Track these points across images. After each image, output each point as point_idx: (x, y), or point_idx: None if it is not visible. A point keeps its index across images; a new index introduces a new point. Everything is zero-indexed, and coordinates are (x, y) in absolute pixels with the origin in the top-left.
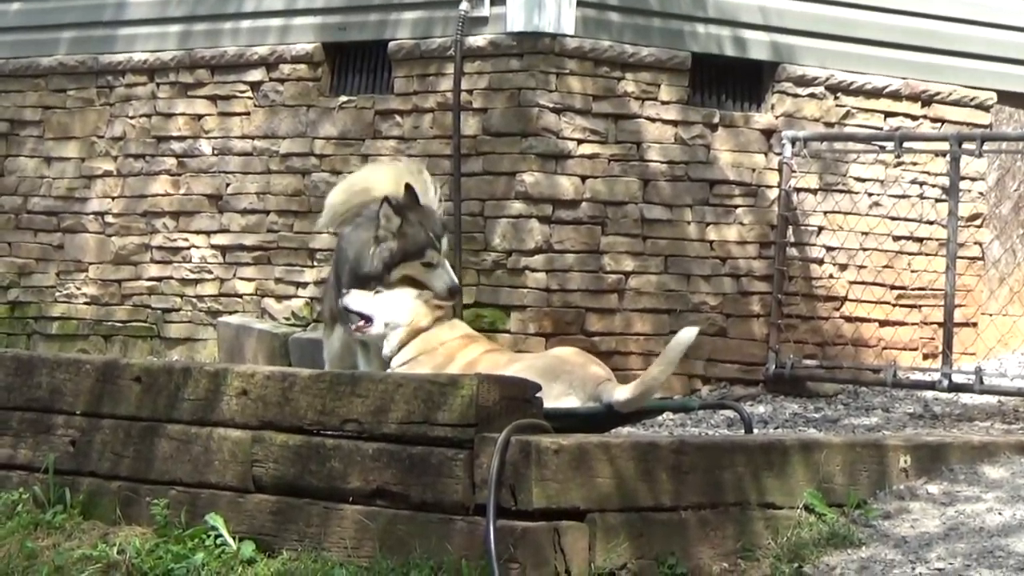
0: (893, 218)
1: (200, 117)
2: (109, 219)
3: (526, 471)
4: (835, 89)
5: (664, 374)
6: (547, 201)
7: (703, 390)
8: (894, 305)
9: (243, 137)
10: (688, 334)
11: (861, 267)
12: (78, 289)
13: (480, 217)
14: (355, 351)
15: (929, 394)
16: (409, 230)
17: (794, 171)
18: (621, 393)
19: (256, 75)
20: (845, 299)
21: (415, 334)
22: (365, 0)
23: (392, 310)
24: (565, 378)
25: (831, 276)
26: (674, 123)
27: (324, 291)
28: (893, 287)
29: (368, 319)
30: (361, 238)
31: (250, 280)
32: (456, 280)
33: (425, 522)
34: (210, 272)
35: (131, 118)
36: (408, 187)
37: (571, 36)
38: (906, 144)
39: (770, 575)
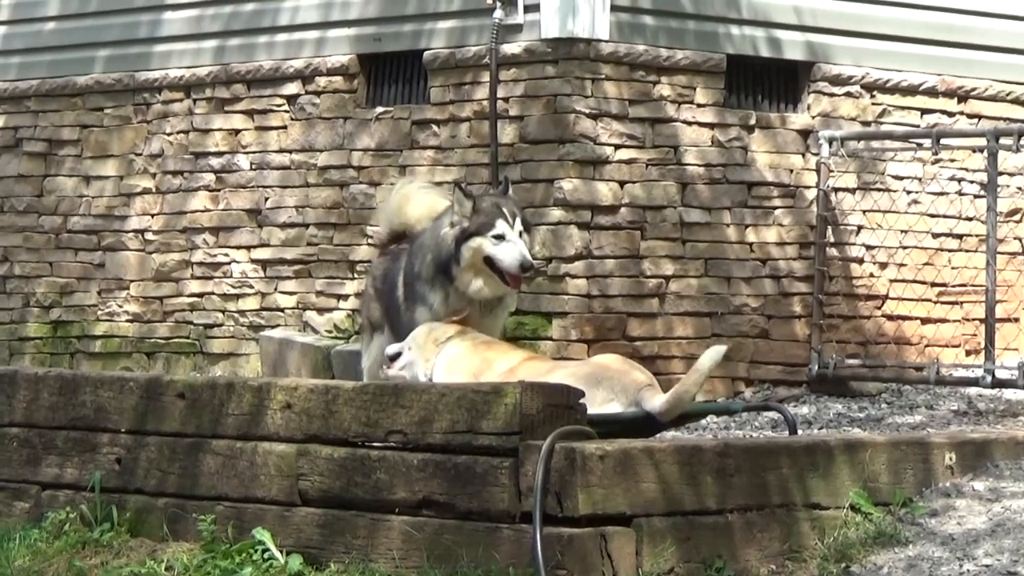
0: (932, 215)
1: (237, 132)
2: (149, 236)
3: (571, 478)
4: (871, 87)
5: (694, 388)
6: (586, 207)
7: (746, 392)
8: (935, 302)
9: (281, 151)
10: (716, 352)
11: (901, 265)
12: (120, 307)
13: None
14: None
15: (973, 391)
16: (482, 206)
17: (832, 171)
18: (655, 403)
19: (292, 88)
20: (886, 298)
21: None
22: (399, 10)
23: (412, 344)
24: (608, 384)
25: (871, 275)
26: (711, 126)
27: (362, 302)
28: (934, 284)
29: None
30: (437, 232)
31: (291, 294)
32: (530, 257)
33: (472, 531)
34: (251, 287)
35: (168, 135)
36: (507, 178)
37: (605, 41)
38: (943, 141)
39: (817, 575)
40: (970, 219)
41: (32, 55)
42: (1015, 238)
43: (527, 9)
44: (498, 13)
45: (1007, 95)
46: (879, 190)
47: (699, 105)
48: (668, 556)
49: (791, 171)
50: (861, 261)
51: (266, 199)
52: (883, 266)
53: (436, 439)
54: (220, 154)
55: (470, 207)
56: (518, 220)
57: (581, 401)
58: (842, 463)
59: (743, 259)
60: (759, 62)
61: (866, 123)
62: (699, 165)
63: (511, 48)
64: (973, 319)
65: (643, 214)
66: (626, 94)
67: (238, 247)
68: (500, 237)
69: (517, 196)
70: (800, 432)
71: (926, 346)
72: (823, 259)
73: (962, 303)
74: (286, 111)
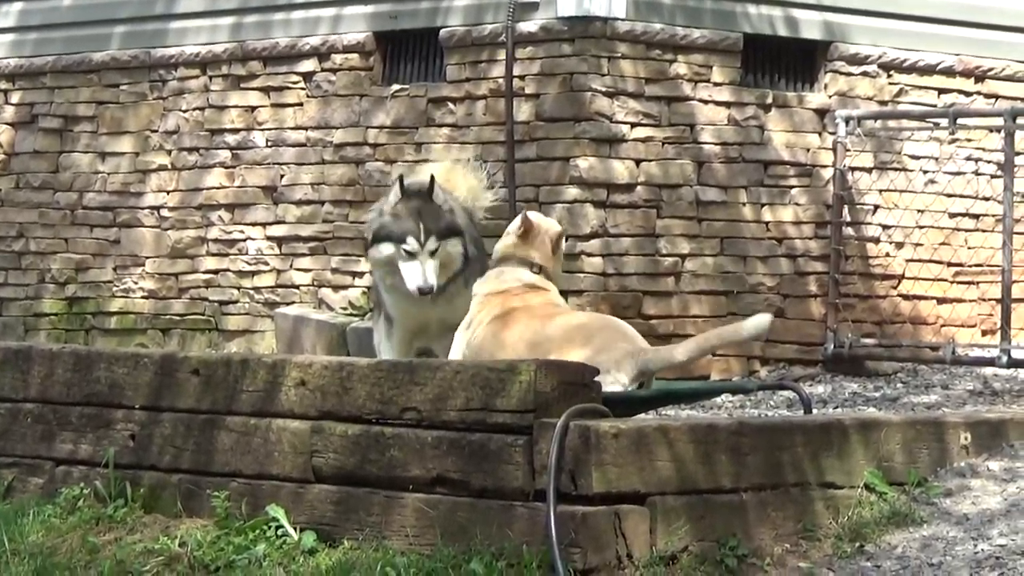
0: (948, 195)
1: (253, 109)
2: (165, 213)
3: (585, 456)
4: (888, 67)
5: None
6: (602, 185)
7: (762, 371)
8: (951, 282)
9: (296, 128)
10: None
11: (917, 245)
12: (135, 283)
13: (535, 203)
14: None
15: (988, 371)
16: (403, 211)
17: (848, 150)
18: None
19: (308, 66)
20: (902, 277)
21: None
22: None
23: None
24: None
25: (888, 255)
26: (727, 104)
27: (374, 278)
28: (950, 264)
29: None
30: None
31: (307, 271)
32: (431, 281)
33: (486, 509)
34: (267, 264)
35: (184, 111)
36: (432, 178)
37: (622, 19)
38: (960, 120)
39: (831, 555)
40: (987, 199)
41: (48, 31)
42: None
43: None
44: None
45: None
46: (896, 170)
47: (716, 84)
48: (682, 534)
49: (808, 150)
50: (877, 241)
51: (282, 176)
52: (899, 246)
53: (451, 416)
54: (236, 131)
55: (394, 203)
56: (433, 241)
57: (596, 379)
58: (857, 443)
59: (759, 238)
60: (776, 41)
61: (883, 103)
62: (715, 144)
63: (527, 26)
64: (989, 299)
65: (659, 192)
66: (642, 73)
67: (253, 224)
68: (409, 254)
69: (533, 174)
70: (815, 411)
71: (942, 326)
72: (839, 238)
73: (978, 283)
74: (302, 88)
